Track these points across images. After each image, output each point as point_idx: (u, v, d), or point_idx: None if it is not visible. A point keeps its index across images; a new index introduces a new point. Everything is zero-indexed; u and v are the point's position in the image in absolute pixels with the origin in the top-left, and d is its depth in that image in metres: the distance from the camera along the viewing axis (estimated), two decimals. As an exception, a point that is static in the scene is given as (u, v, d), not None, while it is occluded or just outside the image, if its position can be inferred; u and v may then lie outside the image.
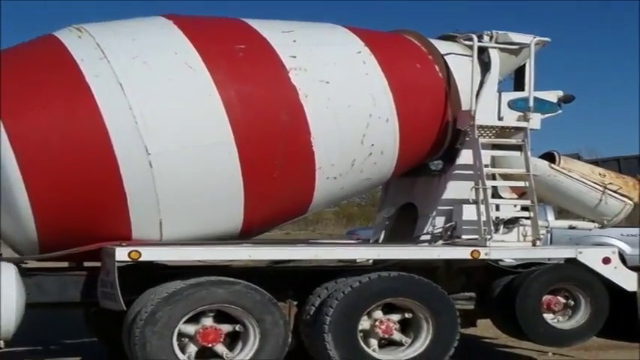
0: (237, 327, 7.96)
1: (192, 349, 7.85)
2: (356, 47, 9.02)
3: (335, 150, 8.69)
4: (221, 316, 7.94)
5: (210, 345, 7.88)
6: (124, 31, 8.41)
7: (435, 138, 9.43)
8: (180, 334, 7.78)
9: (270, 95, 8.42)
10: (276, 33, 8.72)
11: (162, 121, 7.92)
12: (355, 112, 8.76)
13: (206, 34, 8.50)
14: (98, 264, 8.16)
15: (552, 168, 9.93)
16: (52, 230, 7.91)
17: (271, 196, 8.59)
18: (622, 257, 9.74)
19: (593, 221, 10.34)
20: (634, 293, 9.38)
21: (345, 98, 8.70)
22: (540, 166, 9.80)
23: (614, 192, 10.12)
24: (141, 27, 8.52)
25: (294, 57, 8.54)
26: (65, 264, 8.70)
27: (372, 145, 8.94)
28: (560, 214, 12.96)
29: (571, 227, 11.06)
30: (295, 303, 8.48)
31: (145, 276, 8.08)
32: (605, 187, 10.06)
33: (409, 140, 9.16)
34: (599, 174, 10.30)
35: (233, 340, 8.02)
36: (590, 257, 9.31)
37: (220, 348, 7.92)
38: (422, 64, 9.38)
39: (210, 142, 8.08)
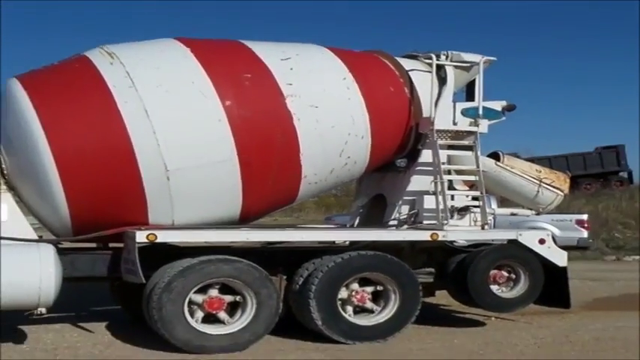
0: (238, 298, 8.04)
1: (200, 314, 7.93)
2: (342, 74, 8.98)
3: (318, 163, 8.76)
4: (225, 289, 8.03)
5: (214, 312, 7.97)
6: (149, 59, 8.30)
7: (401, 141, 9.48)
8: (191, 302, 7.86)
9: (269, 119, 8.41)
10: (276, 60, 8.67)
11: (179, 142, 7.95)
12: (337, 132, 8.80)
13: (218, 63, 8.41)
14: (121, 245, 8.25)
15: (498, 165, 10.04)
16: (83, 218, 8.00)
17: (264, 197, 8.69)
18: (554, 239, 9.85)
19: (530, 209, 10.52)
20: (564, 268, 9.50)
21: (330, 120, 8.72)
22: (488, 163, 9.90)
23: (548, 185, 10.27)
24: (163, 56, 8.37)
25: (291, 84, 8.54)
26: (94, 245, 8.78)
27: (349, 157, 9.01)
28: (503, 203, 13.10)
29: (512, 214, 11.19)
30: (285, 277, 8.55)
31: (160, 255, 8.12)
32: (541, 181, 10.20)
33: (379, 150, 9.24)
34: (536, 170, 10.45)
35: (234, 308, 8.08)
36: (529, 239, 9.41)
37: (223, 315, 8.01)
38: (393, 84, 9.41)
39: (218, 160, 8.13)
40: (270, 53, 8.82)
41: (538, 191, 10.19)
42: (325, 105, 8.73)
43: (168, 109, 8.01)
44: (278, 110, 8.46)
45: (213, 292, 8.00)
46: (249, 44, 8.87)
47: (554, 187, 10.32)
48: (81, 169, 7.79)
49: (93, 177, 7.84)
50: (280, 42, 9.29)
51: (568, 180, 10.68)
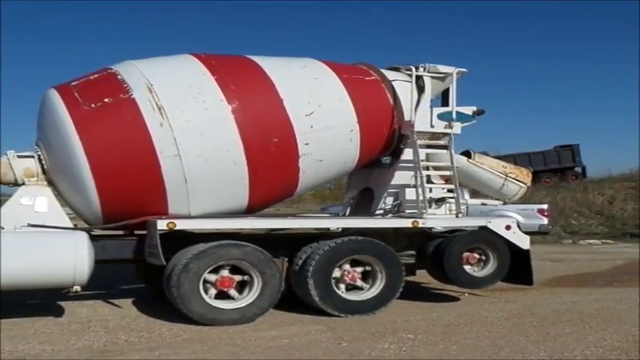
0: (246, 277, 8.06)
1: (213, 292, 7.96)
2: (334, 84, 8.97)
3: (314, 161, 8.75)
4: (234, 269, 8.05)
5: (225, 289, 7.99)
6: (169, 73, 8.25)
7: (386, 141, 9.50)
8: (205, 281, 7.89)
9: (273, 126, 8.39)
10: (279, 73, 8.64)
11: (195, 147, 7.95)
12: (330, 134, 8.78)
13: (228, 76, 8.34)
14: (145, 232, 8.26)
15: (469, 162, 10.11)
16: (112, 209, 8.02)
17: (267, 192, 8.69)
18: (519, 225, 9.86)
19: (498, 199, 10.59)
20: (527, 250, 9.53)
21: (324, 124, 8.70)
22: (461, 160, 9.95)
23: (513, 179, 10.34)
24: (181, 70, 8.32)
25: (291, 95, 8.51)
26: (121, 232, 8.79)
27: (341, 154, 9.02)
28: (474, 194, 13.12)
29: (483, 204, 11.29)
30: (286, 259, 8.57)
31: (178, 240, 8.14)
32: (507, 176, 10.28)
33: (367, 147, 9.24)
34: (502, 166, 10.51)
35: (242, 286, 8.10)
36: (497, 225, 9.44)
37: (233, 292, 8.04)
38: (378, 92, 9.42)
39: (228, 161, 8.13)
40: (273, 66, 8.78)
41: (504, 184, 10.27)
42: (320, 111, 8.72)
43: (188, 118, 7.97)
44: (281, 121, 8.43)
45: (225, 273, 8.02)
46: (257, 59, 8.83)
47: (518, 180, 10.40)
48: (110, 168, 7.79)
49: (121, 174, 7.84)
50: (281, 56, 9.28)
51: (530, 174, 10.76)
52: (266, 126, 8.33)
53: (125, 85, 7.99)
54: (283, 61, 9.10)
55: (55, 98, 7.99)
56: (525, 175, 10.58)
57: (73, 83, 8.34)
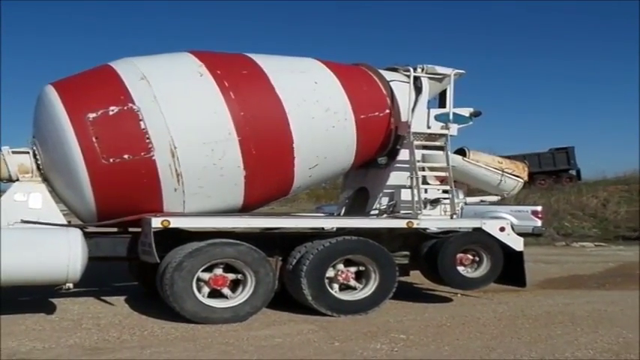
0: (239, 276, 8.03)
1: (206, 290, 7.93)
2: (332, 84, 8.93)
3: (310, 162, 8.72)
4: (228, 268, 8.02)
5: (219, 288, 7.97)
6: (166, 71, 8.22)
7: (382, 142, 9.47)
8: (198, 279, 7.86)
9: (271, 126, 8.35)
10: (278, 73, 8.60)
11: (191, 145, 7.92)
12: (328, 135, 8.74)
13: (227, 76, 8.30)
14: (139, 229, 8.23)
15: (465, 160, 10.05)
16: (106, 206, 7.98)
17: (263, 191, 8.66)
18: (512, 227, 9.83)
19: (496, 195, 10.52)
20: (521, 252, 9.48)
21: (321, 126, 8.68)
22: (456, 159, 9.89)
23: (510, 174, 10.29)
24: (179, 68, 8.30)
25: (289, 96, 8.46)
26: (115, 229, 8.74)
27: (337, 156, 8.99)
28: (471, 193, 13.12)
29: (481, 201, 11.26)
30: (280, 258, 8.54)
31: (172, 238, 8.11)
32: (503, 171, 10.24)
33: (363, 148, 9.21)
34: (498, 162, 10.46)
35: (235, 285, 8.07)
36: (491, 227, 9.41)
37: (226, 290, 8.01)
38: (375, 91, 9.39)
39: (224, 160, 8.09)
40: (269, 62, 8.74)
41: (501, 180, 10.23)
42: (318, 111, 8.68)
43: (183, 116, 7.94)
44: (278, 119, 8.40)
45: (218, 271, 7.99)
46: (255, 57, 8.79)
47: (514, 175, 10.36)
48: (105, 165, 7.75)
49: (116, 172, 7.79)
50: (280, 55, 9.25)
51: (526, 169, 10.68)
52: (263, 125, 8.29)
53: (123, 84, 7.93)
54: (282, 60, 9.07)
55: (52, 95, 7.95)
56: (522, 170, 10.53)
57: (71, 80, 8.32)
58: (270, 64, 8.69)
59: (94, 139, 7.71)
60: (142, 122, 7.78)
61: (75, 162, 7.68)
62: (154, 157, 7.83)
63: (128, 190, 7.92)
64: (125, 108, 7.82)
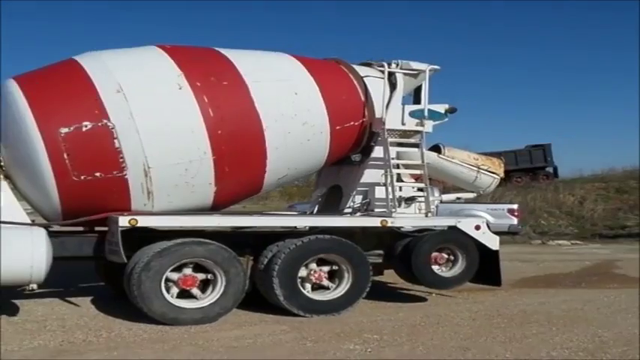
0: (209, 276, 7.99)
1: (175, 290, 7.87)
2: (305, 80, 8.96)
3: (282, 159, 8.73)
4: (197, 267, 7.97)
5: (188, 288, 7.92)
6: (133, 65, 8.18)
7: (356, 139, 9.49)
8: (167, 279, 7.81)
9: (241, 122, 8.33)
10: (248, 67, 8.60)
11: (159, 141, 7.88)
12: (300, 131, 8.76)
13: (196, 70, 8.28)
14: (106, 228, 8.16)
15: (440, 157, 10.10)
16: (72, 204, 7.91)
17: (233, 189, 8.65)
18: (488, 225, 9.90)
19: (472, 192, 10.61)
20: (497, 251, 9.56)
21: (293, 121, 8.69)
22: (431, 155, 9.93)
23: (485, 170, 10.37)
24: (146, 62, 8.27)
25: (260, 90, 8.46)
26: (81, 228, 8.66)
27: (309, 153, 9.01)
28: (445, 193, 13.18)
29: (457, 198, 11.33)
30: (252, 258, 8.52)
31: (140, 237, 8.05)
32: (479, 168, 10.32)
33: (337, 145, 9.23)
34: (474, 158, 10.54)
35: (205, 285, 8.04)
36: (466, 225, 9.48)
37: (195, 291, 7.97)
38: (349, 87, 9.41)
39: (194, 158, 8.07)
40: (234, 53, 8.73)
41: (477, 177, 10.30)
42: (295, 127, 8.72)
43: (160, 135, 7.90)
44: (254, 136, 8.42)
45: (188, 271, 7.94)
46: (225, 52, 8.76)
47: (490, 172, 10.44)
48: (76, 181, 7.70)
49: (86, 187, 7.75)
50: (251, 50, 9.23)
51: (502, 165, 10.77)
52: (239, 143, 8.30)
53: (98, 95, 7.80)
54: (253, 55, 9.05)
55: (14, 89, 7.85)
56: (497, 166, 10.62)
57: (33, 74, 8.21)
58: (251, 70, 8.61)
59: (65, 156, 7.63)
60: (116, 140, 7.71)
61: (38, 158, 7.59)
62: (126, 177, 7.85)
63: (94, 188, 7.84)
64: (99, 124, 7.71)
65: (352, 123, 9.36)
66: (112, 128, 7.71)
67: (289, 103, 8.72)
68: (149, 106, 7.93)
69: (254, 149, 8.49)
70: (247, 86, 8.45)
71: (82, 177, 7.73)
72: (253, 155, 8.50)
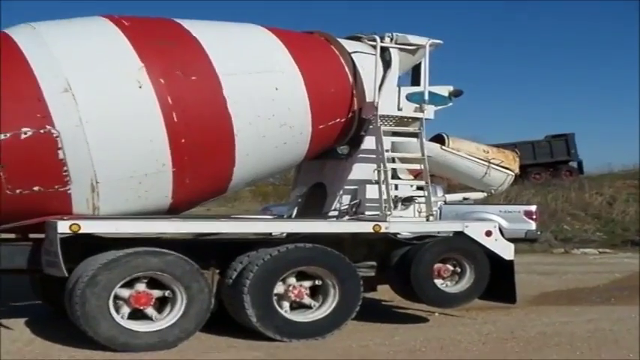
0: (167, 293, 7.98)
1: (126, 310, 7.85)
2: (281, 55, 9.00)
3: (253, 148, 8.74)
4: (153, 283, 7.97)
5: (141, 307, 7.90)
6: (75, 39, 8.19)
7: (343, 127, 9.52)
8: (116, 297, 7.78)
9: (203, 103, 8.36)
10: (213, 41, 8.62)
11: (105, 125, 7.88)
12: (274, 116, 8.80)
13: (150, 47, 8.29)
14: (42, 235, 8.11)
15: (443, 149, 10.11)
16: (6, 221, 7.90)
17: (196, 184, 8.65)
18: (501, 231, 9.97)
19: (482, 191, 10.64)
20: (511, 261, 9.62)
21: (266, 104, 8.72)
22: (433, 147, 9.94)
23: (497, 165, 10.39)
24: (91, 36, 8.29)
25: (227, 67, 8.49)
26: (12, 235, 8.61)
27: (285, 143, 9.03)
28: (449, 192, 13.28)
29: (464, 199, 11.37)
30: (218, 271, 8.54)
31: (84, 246, 8.03)
32: (489, 162, 10.34)
33: (320, 134, 9.27)
34: (484, 150, 10.52)
35: (162, 304, 8.03)
36: (475, 230, 9.51)
37: (150, 311, 7.95)
38: (334, 66, 9.44)
39: (146, 144, 8.07)
40: (206, 34, 8.72)
41: (487, 172, 10.30)
42: (271, 130, 8.79)
43: (113, 147, 7.93)
44: (223, 143, 8.49)
45: (141, 287, 7.94)
46: (193, 30, 8.73)
47: (503, 167, 10.47)
48: (10, 195, 7.72)
49: (18, 181, 7.75)
50: (217, 21, 9.25)
51: (517, 159, 10.80)
52: (200, 126, 8.31)
53: (41, 94, 7.75)
54: (219, 27, 9.10)
55: None
56: (512, 160, 10.66)
57: None
58: (225, 58, 8.59)
59: None
60: (60, 151, 7.72)
61: None
62: (69, 191, 7.90)
63: (28, 186, 7.84)
64: (42, 131, 7.70)
65: (339, 120, 9.45)
66: (57, 137, 7.70)
67: (267, 102, 8.76)
68: (102, 112, 7.92)
69: (221, 158, 8.59)
70: (220, 81, 8.46)
71: (18, 191, 7.75)
72: (219, 163, 8.61)
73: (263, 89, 8.76)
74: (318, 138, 9.29)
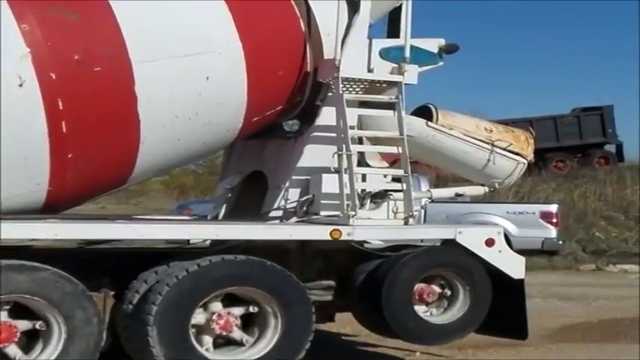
0: (39, 324, 7.90)
1: (-20, 348, 7.82)
2: (228, 45, 9.01)
3: (164, 119, 8.76)
4: (18, 310, 7.89)
5: (1, 345, 7.78)
6: None
7: (291, 92, 9.55)
8: (-34, 330, 7.75)
9: (108, 128, 8.47)
10: (147, 50, 8.59)
11: None
12: (194, 76, 8.83)
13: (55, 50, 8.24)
14: None
15: (430, 126, 10.04)
16: None
17: (84, 168, 8.58)
18: (507, 239, 9.97)
19: (483, 185, 10.58)
20: (521, 281, 9.66)
21: (184, 60, 8.73)
22: (416, 125, 9.91)
23: (504, 149, 10.34)
24: None
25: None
26: None
27: (211, 113, 9.06)
28: (438, 186, 13.32)
29: (457, 195, 11.35)
30: (112, 293, 8.52)
31: None
32: (493, 145, 10.26)
33: (257, 101, 9.27)
34: (486, 129, 10.43)
35: (31, 339, 7.98)
36: (472, 238, 9.55)
37: (13, 350, 7.85)
38: (281, 10, 9.48)
39: (15, 114, 7.97)
40: (144, 45, 8.63)
41: (489, 159, 10.24)
42: (191, 107, 8.83)
43: None
44: (123, 124, 8.53)
45: (2, 316, 7.83)
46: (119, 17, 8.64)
47: (511, 151, 10.42)
48: None
49: None
50: None
51: (532, 140, 10.77)
52: (97, 134, 8.37)
53: None
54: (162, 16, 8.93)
55: None
56: (524, 143, 10.61)
57: None
58: (142, 35, 8.57)
59: None
60: None
61: None
62: None
63: None
64: None
65: (279, 108, 9.62)
66: None
67: (192, 98, 8.84)
68: None
69: (120, 172, 8.87)
70: (132, 72, 8.44)
71: None
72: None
73: (189, 81, 8.83)
74: (249, 129, 9.40)
